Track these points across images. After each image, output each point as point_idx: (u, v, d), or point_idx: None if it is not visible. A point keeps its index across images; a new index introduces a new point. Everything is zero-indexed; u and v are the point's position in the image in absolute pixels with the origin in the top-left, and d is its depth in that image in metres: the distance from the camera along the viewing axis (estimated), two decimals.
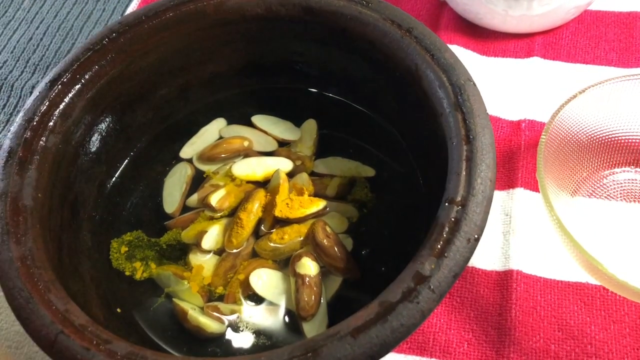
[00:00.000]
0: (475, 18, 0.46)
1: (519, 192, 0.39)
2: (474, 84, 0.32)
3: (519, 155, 0.40)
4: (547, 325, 0.34)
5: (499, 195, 0.39)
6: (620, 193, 0.38)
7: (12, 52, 0.51)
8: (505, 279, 0.36)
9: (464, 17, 0.47)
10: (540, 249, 0.37)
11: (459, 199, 0.28)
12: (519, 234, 0.37)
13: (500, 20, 0.44)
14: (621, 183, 0.38)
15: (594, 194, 0.38)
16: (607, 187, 0.38)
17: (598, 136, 0.38)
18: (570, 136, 0.37)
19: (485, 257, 0.37)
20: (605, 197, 0.38)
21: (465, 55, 0.45)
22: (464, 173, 0.29)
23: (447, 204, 0.29)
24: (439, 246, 0.27)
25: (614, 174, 0.38)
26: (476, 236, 0.28)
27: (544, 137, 0.34)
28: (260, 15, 0.37)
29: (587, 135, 0.37)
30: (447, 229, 0.28)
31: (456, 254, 0.27)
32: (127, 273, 0.35)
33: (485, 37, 0.46)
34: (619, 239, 0.37)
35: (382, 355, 0.26)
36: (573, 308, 0.35)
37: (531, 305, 0.35)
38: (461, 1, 0.45)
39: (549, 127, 0.35)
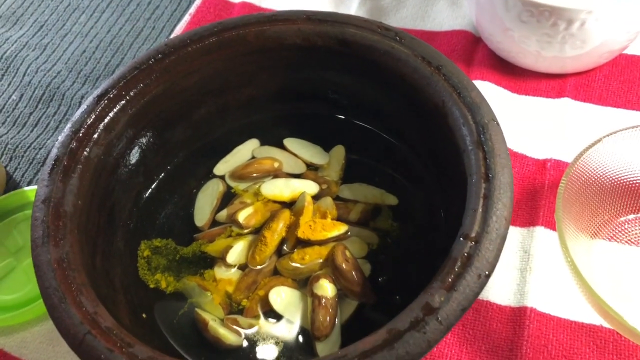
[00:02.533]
0: (509, 56, 0.47)
1: (540, 231, 0.39)
2: (498, 123, 0.33)
3: (542, 194, 0.41)
4: None
5: (519, 232, 0.40)
6: None
7: (66, 63, 0.54)
8: (518, 315, 0.36)
9: (498, 55, 0.48)
10: (556, 289, 0.37)
11: (473, 235, 0.29)
12: (536, 272, 0.38)
13: (532, 60, 0.45)
14: None
15: (614, 237, 0.38)
16: (628, 232, 0.38)
17: (621, 180, 0.38)
18: (593, 179, 0.37)
19: (501, 292, 0.37)
20: (626, 241, 0.38)
21: (497, 92, 0.46)
22: (480, 210, 0.30)
23: (461, 239, 0.30)
24: (449, 279, 0.28)
25: (636, 219, 0.39)
26: (487, 272, 0.29)
27: (564, 179, 0.35)
28: (297, 45, 0.39)
29: (610, 179, 0.38)
30: (459, 263, 0.29)
31: (466, 288, 0.28)
32: (151, 285, 0.37)
33: (517, 75, 0.47)
34: (635, 284, 0.37)
35: None
36: (585, 350, 0.35)
37: (543, 343, 0.35)
38: (495, 39, 0.46)
39: (571, 169, 0.36)
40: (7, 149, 0.48)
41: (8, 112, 0.51)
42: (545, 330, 0.36)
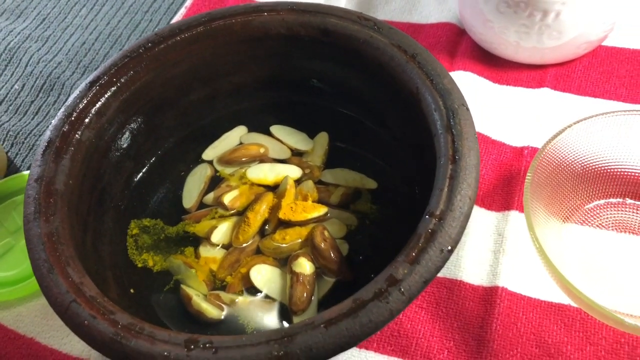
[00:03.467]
0: (490, 47, 0.48)
1: (514, 215, 0.41)
2: (467, 108, 0.35)
3: (518, 180, 0.42)
4: (526, 341, 0.36)
5: (494, 216, 0.41)
6: (612, 223, 0.40)
7: (66, 54, 0.56)
8: (490, 294, 0.38)
9: (481, 46, 0.49)
10: (527, 270, 0.39)
11: (438, 212, 0.31)
12: (509, 254, 0.39)
13: (513, 51, 0.46)
14: (613, 213, 0.40)
15: (585, 222, 0.40)
16: (599, 216, 0.40)
17: (593, 166, 0.39)
18: (564, 164, 0.39)
19: (474, 273, 0.39)
20: (597, 226, 0.40)
21: (478, 82, 0.48)
22: (446, 189, 0.32)
23: (427, 216, 0.31)
24: (413, 254, 0.30)
25: (607, 204, 0.40)
26: (449, 247, 0.30)
27: (534, 163, 0.37)
28: (282, 35, 0.41)
29: (582, 164, 0.39)
30: (423, 239, 0.30)
31: (429, 262, 0.30)
32: (139, 265, 0.39)
33: (499, 66, 0.49)
34: (605, 266, 0.38)
35: (351, 346, 0.28)
36: (552, 327, 0.37)
37: (512, 321, 0.37)
38: (477, 31, 0.47)
39: (541, 154, 0.37)
40: (8, 135, 0.50)
41: (10, 100, 0.53)
42: (515, 308, 0.37)
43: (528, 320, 0.37)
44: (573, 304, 0.37)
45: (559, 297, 0.37)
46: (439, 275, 0.39)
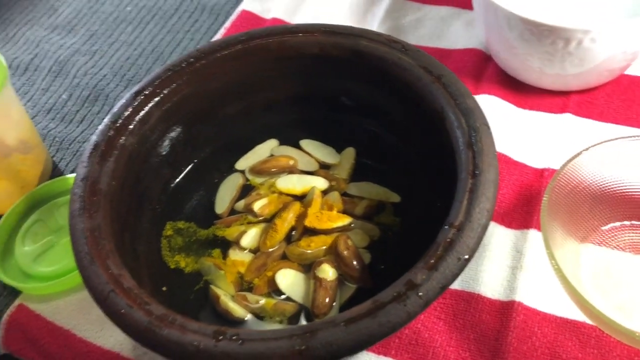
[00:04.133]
0: (515, 73, 0.50)
1: (532, 233, 0.42)
2: (488, 127, 0.36)
3: (538, 200, 0.44)
4: (540, 355, 0.37)
5: (513, 234, 0.43)
6: (629, 245, 0.41)
7: (111, 68, 0.59)
8: (506, 308, 0.39)
9: (506, 72, 0.51)
10: (544, 286, 0.40)
11: (457, 223, 0.33)
12: (527, 270, 0.40)
13: (536, 77, 0.48)
14: (630, 235, 0.41)
15: (602, 243, 0.41)
16: (616, 238, 0.41)
17: (610, 189, 0.41)
18: (583, 186, 0.40)
19: (492, 287, 0.40)
20: (614, 247, 0.41)
21: (502, 106, 0.49)
22: (465, 202, 0.33)
23: (446, 227, 0.33)
24: (432, 261, 0.32)
25: (624, 226, 0.41)
26: (467, 256, 0.32)
27: (551, 184, 0.38)
28: (315, 54, 0.43)
29: (600, 186, 0.40)
30: (441, 247, 0.32)
31: (446, 269, 0.31)
32: (171, 266, 0.41)
33: (523, 91, 0.50)
34: (621, 287, 0.39)
35: (369, 345, 0.30)
36: (567, 343, 0.37)
37: (527, 335, 0.38)
38: (502, 56, 0.49)
39: (559, 175, 0.38)
40: (54, 141, 0.54)
41: (58, 109, 0.57)
42: (530, 323, 0.38)
43: (543, 335, 0.38)
44: (588, 321, 0.38)
45: (575, 313, 0.38)
46: (457, 287, 0.40)
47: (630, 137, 0.39)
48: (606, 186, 0.41)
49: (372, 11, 0.60)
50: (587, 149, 0.39)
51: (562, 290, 0.39)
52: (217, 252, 0.41)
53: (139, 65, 0.59)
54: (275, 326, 0.38)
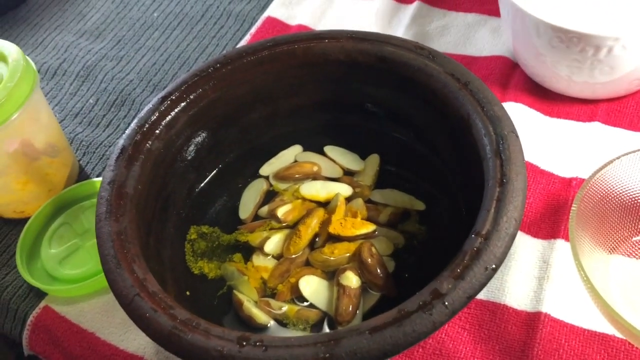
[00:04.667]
0: (542, 81, 0.49)
1: (560, 243, 0.41)
2: (517, 135, 0.36)
3: (565, 210, 0.43)
4: None
5: (540, 244, 0.42)
6: None
7: (138, 73, 0.60)
8: (533, 320, 0.38)
9: (533, 79, 0.51)
10: (571, 297, 0.39)
11: (484, 232, 0.32)
12: (554, 281, 0.40)
13: (564, 85, 0.48)
14: None
15: (632, 254, 0.40)
16: None
17: None
18: (612, 196, 0.39)
19: (518, 297, 0.40)
20: None
21: (530, 114, 0.49)
22: (493, 211, 0.33)
23: (473, 235, 0.32)
24: (458, 270, 0.31)
25: None
26: (494, 266, 0.31)
27: (579, 194, 0.37)
28: (341, 60, 0.43)
29: (629, 196, 0.40)
30: (468, 256, 0.32)
31: (473, 278, 0.31)
32: (195, 272, 0.41)
33: (551, 99, 0.50)
34: None
35: (394, 354, 0.30)
36: (595, 357, 0.37)
37: (554, 347, 0.37)
38: (530, 64, 0.49)
39: (587, 184, 0.38)
40: (81, 145, 0.54)
41: (85, 113, 0.57)
42: (557, 335, 0.38)
43: (570, 347, 0.37)
44: (617, 334, 0.37)
45: (604, 326, 0.38)
46: (483, 298, 0.40)
47: None
48: (636, 196, 0.40)
49: (398, 17, 0.60)
50: (617, 158, 0.38)
51: (590, 302, 0.38)
52: (239, 257, 0.41)
53: (165, 71, 0.60)
54: (299, 333, 0.38)
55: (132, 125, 0.41)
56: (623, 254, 0.40)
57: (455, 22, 0.58)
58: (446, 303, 0.30)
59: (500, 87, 0.51)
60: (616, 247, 0.40)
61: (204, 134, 0.44)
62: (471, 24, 0.58)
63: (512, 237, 0.32)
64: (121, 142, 0.40)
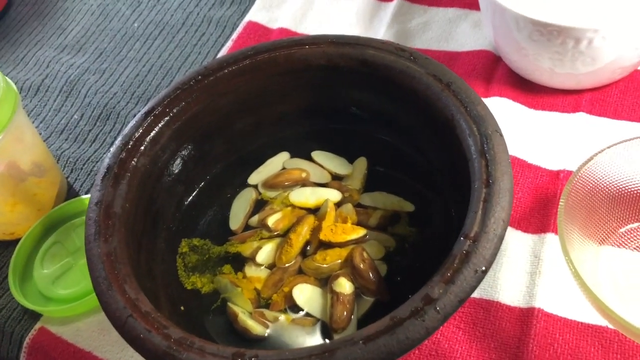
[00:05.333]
0: (525, 74, 0.49)
1: (550, 237, 0.41)
2: (501, 134, 0.36)
3: (554, 203, 0.43)
4: None
5: (531, 239, 0.42)
6: None
7: (121, 85, 0.60)
8: (526, 315, 0.39)
9: (516, 73, 0.51)
10: (564, 291, 0.39)
11: (472, 234, 0.32)
12: (545, 276, 0.40)
13: (547, 77, 0.48)
14: None
15: (622, 244, 0.40)
16: (636, 239, 0.40)
17: (628, 189, 0.40)
18: (600, 187, 0.39)
19: (511, 294, 0.40)
20: (634, 248, 0.40)
21: (514, 108, 0.49)
22: (480, 212, 0.33)
23: (462, 238, 0.33)
24: (448, 274, 0.31)
25: None
26: (484, 268, 0.31)
27: (567, 187, 0.37)
28: (322, 66, 0.43)
29: (617, 187, 0.40)
30: (457, 260, 0.32)
31: (463, 282, 0.31)
32: (188, 287, 0.41)
33: (534, 92, 0.50)
34: None
35: None
36: (589, 349, 0.37)
37: (549, 342, 0.37)
38: (512, 58, 0.49)
39: (575, 177, 0.38)
40: (68, 162, 0.54)
41: (70, 129, 0.57)
42: (552, 329, 0.38)
43: (565, 341, 0.37)
44: (611, 325, 0.37)
45: (596, 318, 0.38)
46: (476, 296, 0.40)
47: None
48: (624, 186, 0.40)
49: (379, 16, 0.60)
50: (603, 150, 0.38)
51: (582, 296, 0.39)
52: (228, 268, 0.42)
53: (148, 82, 0.59)
54: (297, 338, 0.38)
55: (117, 142, 0.40)
56: (613, 245, 0.40)
57: (436, 17, 0.58)
58: (438, 308, 0.30)
59: (484, 82, 0.51)
60: (606, 238, 0.40)
61: (189, 147, 0.44)
62: (452, 19, 0.57)
63: (501, 239, 0.32)
64: (106, 161, 0.39)
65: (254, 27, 0.62)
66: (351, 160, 0.46)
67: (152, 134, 0.41)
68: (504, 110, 0.48)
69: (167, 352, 0.31)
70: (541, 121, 0.48)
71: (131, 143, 0.40)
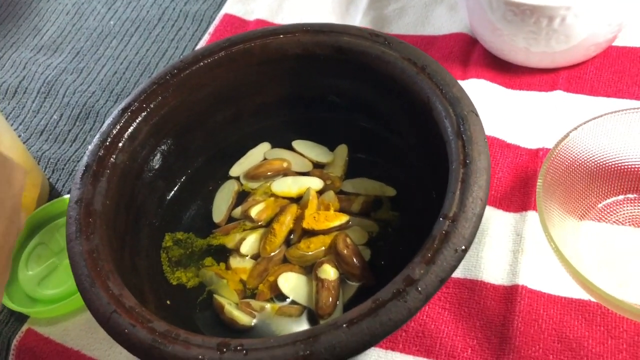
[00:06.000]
0: (502, 54, 0.49)
1: (531, 215, 0.42)
2: (477, 115, 0.36)
3: (534, 181, 0.43)
4: (547, 337, 0.37)
5: (512, 217, 0.42)
6: (629, 219, 0.40)
7: (100, 84, 0.59)
8: (511, 293, 0.39)
9: (493, 54, 0.51)
10: (547, 268, 0.40)
11: (451, 214, 0.33)
12: (528, 253, 0.40)
13: (523, 57, 0.48)
14: (629, 209, 0.41)
15: (602, 219, 0.41)
16: (615, 212, 0.41)
17: (606, 164, 0.40)
18: (578, 163, 0.40)
19: (494, 273, 0.40)
20: (613, 222, 0.40)
21: (492, 89, 0.49)
22: (458, 192, 0.33)
23: (441, 219, 0.33)
24: (429, 255, 0.31)
25: (623, 200, 0.41)
26: (463, 247, 0.32)
27: (545, 164, 0.38)
28: (298, 55, 0.43)
29: (595, 162, 0.40)
30: (437, 240, 0.32)
31: (444, 261, 0.31)
32: (173, 282, 0.41)
33: (511, 72, 0.50)
34: (623, 261, 0.39)
35: (372, 344, 0.30)
36: (573, 323, 0.37)
37: (533, 317, 0.38)
38: (488, 39, 0.49)
39: (552, 153, 0.38)
40: (49, 162, 0.54)
41: (50, 130, 0.57)
42: (536, 306, 0.38)
43: (549, 316, 0.38)
44: (593, 299, 0.38)
45: (579, 293, 0.38)
46: (460, 276, 0.40)
47: (621, 110, 0.39)
48: (601, 162, 0.40)
49: (355, 3, 0.60)
50: (579, 126, 0.39)
51: (564, 271, 0.39)
52: (210, 260, 0.42)
53: (126, 79, 0.59)
54: (284, 326, 0.38)
55: (95, 140, 0.40)
56: (593, 220, 0.41)
57: (412, 2, 0.58)
58: (419, 288, 0.31)
59: (461, 64, 0.51)
60: (586, 213, 0.41)
61: (169, 142, 0.44)
62: (428, 3, 0.58)
63: (479, 217, 0.33)
64: (85, 159, 0.39)
65: (230, 19, 0.61)
66: (332, 148, 0.46)
67: (130, 130, 0.41)
68: (482, 92, 0.49)
69: (152, 345, 0.31)
70: (519, 101, 0.48)
71: (109, 140, 0.40)
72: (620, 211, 0.41)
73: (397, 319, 0.30)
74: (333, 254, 0.40)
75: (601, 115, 0.39)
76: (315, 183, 0.44)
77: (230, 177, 0.46)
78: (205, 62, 0.43)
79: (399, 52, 0.40)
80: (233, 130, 0.47)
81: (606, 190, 0.41)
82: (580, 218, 0.41)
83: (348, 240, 0.40)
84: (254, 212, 0.43)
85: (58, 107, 0.58)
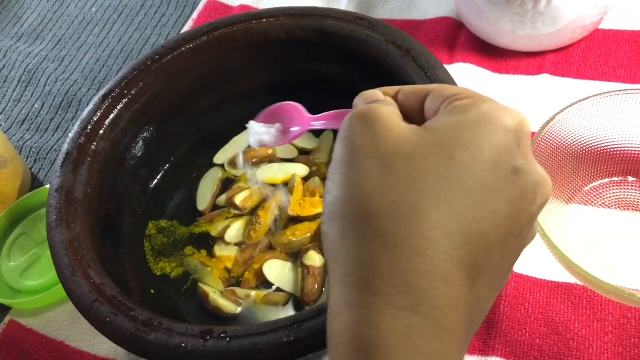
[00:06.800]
0: (488, 38, 0.49)
1: None
2: None
3: None
4: (534, 321, 0.37)
5: None
6: (615, 202, 0.40)
7: (82, 72, 0.58)
8: None
9: (479, 38, 0.50)
10: (534, 252, 0.39)
11: None
12: None
13: (510, 40, 0.47)
14: (615, 192, 0.40)
15: (588, 202, 0.40)
16: (602, 196, 0.40)
17: (592, 147, 0.40)
18: (563, 147, 0.39)
19: None
20: (600, 205, 0.40)
21: (478, 73, 0.49)
22: None
23: None
24: None
25: (609, 183, 0.41)
26: None
27: (532, 146, 0.37)
28: (282, 39, 0.43)
29: (581, 146, 0.40)
30: None
31: None
32: (157, 273, 0.41)
33: (498, 56, 0.50)
34: (610, 244, 0.39)
35: None
36: (560, 306, 0.37)
37: (520, 302, 0.38)
38: (474, 23, 0.48)
39: (538, 137, 0.38)
40: (31, 152, 0.53)
41: (32, 119, 0.56)
42: (522, 290, 0.38)
43: (535, 300, 0.38)
44: (579, 282, 0.38)
45: (565, 276, 0.38)
46: None
47: (607, 93, 0.39)
48: (587, 145, 0.40)
49: None
50: (564, 110, 0.38)
51: (551, 256, 0.39)
52: (190, 249, 0.41)
53: (109, 67, 0.58)
54: (270, 313, 0.38)
55: (75, 128, 0.39)
56: (579, 203, 0.41)
57: None
58: None
59: (448, 48, 0.51)
60: (572, 197, 0.41)
61: (151, 129, 0.44)
62: None
63: None
64: (65, 146, 0.39)
65: (214, 5, 0.60)
66: (318, 134, 0.45)
67: (110, 117, 0.40)
68: (468, 76, 0.48)
69: (134, 334, 0.30)
70: (506, 85, 0.48)
71: (90, 127, 0.39)
72: (607, 194, 0.40)
73: None
74: (319, 241, 0.39)
75: (587, 98, 0.39)
76: (300, 169, 0.43)
77: (215, 165, 0.45)
78: (188, 47, 0.43)
79: (384, 35, 0.40)
80: (217, 116, 0.47)
81: (592, 173, 0.41)
82: (566, 202, 0.40)
83: None
84: (238, 199, 0.42)
85: (40, 96, 0.57)
